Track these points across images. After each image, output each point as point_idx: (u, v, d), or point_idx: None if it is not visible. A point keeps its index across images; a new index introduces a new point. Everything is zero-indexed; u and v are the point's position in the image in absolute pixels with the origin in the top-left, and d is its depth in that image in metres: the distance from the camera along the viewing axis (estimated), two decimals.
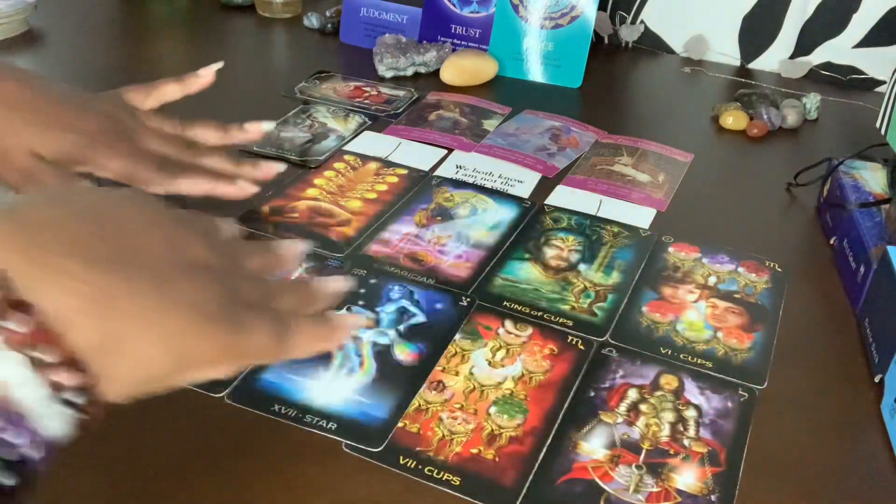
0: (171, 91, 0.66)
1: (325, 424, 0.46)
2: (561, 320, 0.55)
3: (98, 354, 0.32)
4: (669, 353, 0.53)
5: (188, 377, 0.35)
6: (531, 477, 0.44)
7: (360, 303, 0.55)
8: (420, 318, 0.54)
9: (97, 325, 0.32)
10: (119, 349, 0.32)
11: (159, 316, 0.33)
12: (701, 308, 0.57)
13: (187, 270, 0.35)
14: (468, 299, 0.56)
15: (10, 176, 0.56)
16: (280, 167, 0.65)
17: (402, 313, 0.55)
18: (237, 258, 0.39)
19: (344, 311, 0.44)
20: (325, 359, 0.50)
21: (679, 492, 0.43)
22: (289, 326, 0.38)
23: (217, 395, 0.47)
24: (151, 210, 0.37)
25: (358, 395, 0.48)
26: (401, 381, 0.49)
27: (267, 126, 0.67)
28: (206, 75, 0.67)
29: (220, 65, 0.68)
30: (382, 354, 0.51)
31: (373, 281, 0.57)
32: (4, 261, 0.31)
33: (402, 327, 0.53)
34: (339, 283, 0.43)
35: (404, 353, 0.51)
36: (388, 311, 0.55)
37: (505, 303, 0.56)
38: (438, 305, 0.56)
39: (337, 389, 0.48)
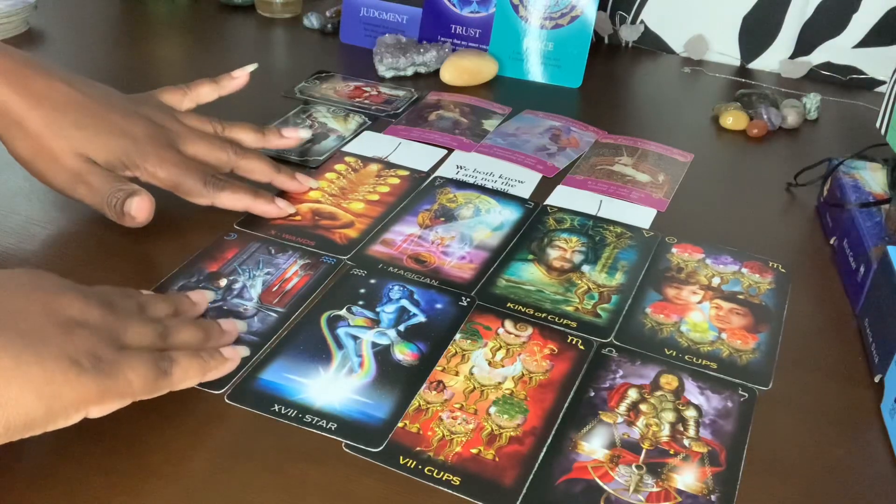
0: (206, 92, 0.67)
1: (325, 424, 0.46)
2: (565, 321, 0.55)
3: None
4: (674, 354, 0.53)
5: (66, 419, 0.39)
6: (531, 477, 0.44)
7: (360, 303, 0.55)
8: (420, 318, 0.54)
9: None
10: None
11: (31, 368, 0.38)
12: (705, 309, 0.57)
13: (62, 327, 0.40)
14: (468, 299, 0.56)
15: (60, 177, 0.57)
16: (313, 183, 0.67)
17: (402, 313, 0.55)
18: (124, 310, 0.45)
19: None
20: (325, 359, 0.51)
21: (679, 492, 0.43)
22: (172, 362, 0.44)
23: (216, 395, 0.47)
24: (35, 282, 0.42)
25: (358, 395, 0.48)
26: (400, 381, 0.49)
27: (304, 133, 0.69)
28: (240, 76, 0.69)
29: (254, 66, 0.70)
30: (382, 354, 0.51)
31: (373, 281, 0.57)
32: None
33: (401, 327, 0.53)
34: (232, 325, 0.50)
35: (404, 353, 0.51)
36: (387, 311, 0.55)
37: (509, 304, 0.56)
38: (438, 305, 0.56)
39: (337, 389, 0.48)
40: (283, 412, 0.47)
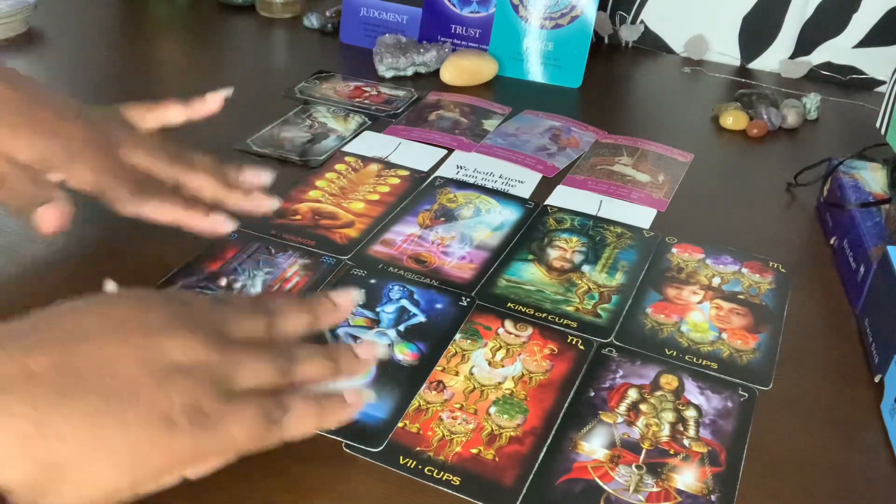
0: (173, 113, 0.62)
1: None
2: (565, 321, 0.55)
3: (40, 485, 0.33)
4: (675, 354, 0.53)
5: (157, 484, 0.36)
6: (531, 477, 0.44)
7: (360, 302, 0.55)
8: (420, 318, 0.54)
9: (35, 458, 0.33)
10: (63, 477, 0.33)
11: (112, 437, 0.34)
12: (705, 309, 0.57)
13: (159, 378, 0.36)
14: (468, 299, 0.56)
15: None
16: (273, 204, 0.58)
17: (402, 313, 0.55)
18: (243, 341, 0.40)
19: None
20: None
21: (679, 492, 0.43)
22: (286, 411, 0.39)
23: None
24: (138, 318, 0.37)
25: None
26: (400, 380, 0.49)
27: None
28: (213, 101, 0.63)
29: (229, 91, 0.64)
30: None
31: (373, 281, 0.57)
32: None
33: (401, 327, 0.53)
34: (373, 350, 0.45)
35: (404, 353, 0.51)
36: (387, 311, 0.55)
37: (509, 304, 0.56)
38: (438, 305, 0.56)
39: (340, 388, 0.48)
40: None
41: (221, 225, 0.56)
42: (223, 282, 0.56)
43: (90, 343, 0.35)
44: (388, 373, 0.50)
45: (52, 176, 0.53)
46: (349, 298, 0.46)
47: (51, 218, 0.52)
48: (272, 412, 0.38)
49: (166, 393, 0.35)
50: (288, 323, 0.43)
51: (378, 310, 0.55)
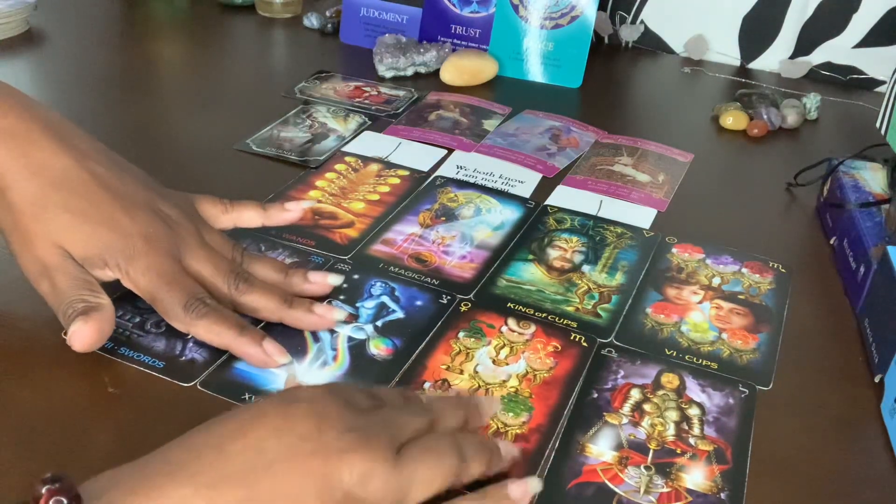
0: (249, 216, 0.58)
1: None
2: (565, 321, 0.55)
3: None
4: (675, 354, 0.53)
5: None
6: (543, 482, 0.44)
7: (341, 297, 0.56)
8: (398, 314, 0.55)
9: None
10: None
11: None
12: (705, 309, 0.57)
13: None
14: (448, 296, 0.56)
15: (28, 265, 0.49)
16: (339, 315, 0.54)
17: (381, 309, 0.55)
18: (411, 457, 0.39)
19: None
20: (300, 351, 0.51)
21: (689, 491, 0.43)
22: None
23: (188, 385, 0.48)
24: (315, 435, 0.37)
25: None
26: (373, 375, 0.50)
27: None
28: (294, 210, 0.60)
29: (311, 203, 0.63)
30: (357, 348, 0.51)
31: (356, 276, 0.58)
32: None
33: (379, 323, 0.54)
34: (513, 451, 0.44)
35: (379, 349, 0.52)
36: (367, 306, 0.55)
37: (509, 304, 0.56)
38: (418, 302, 0.56)
39: (309, 381, 0.49)
40: (253, 401, 0.46)
41: (278, 357, 0.50)
42: None
43: (274, 474, 0.36)
44: (362, 367, 0.50)
45: (103, 274, 0.49)
46: (493, 404, 0.47)
47: (83, 336, 0.47)
48: None
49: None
50: (447, 421, 0.43)
51: (358, 305, 0.55)
